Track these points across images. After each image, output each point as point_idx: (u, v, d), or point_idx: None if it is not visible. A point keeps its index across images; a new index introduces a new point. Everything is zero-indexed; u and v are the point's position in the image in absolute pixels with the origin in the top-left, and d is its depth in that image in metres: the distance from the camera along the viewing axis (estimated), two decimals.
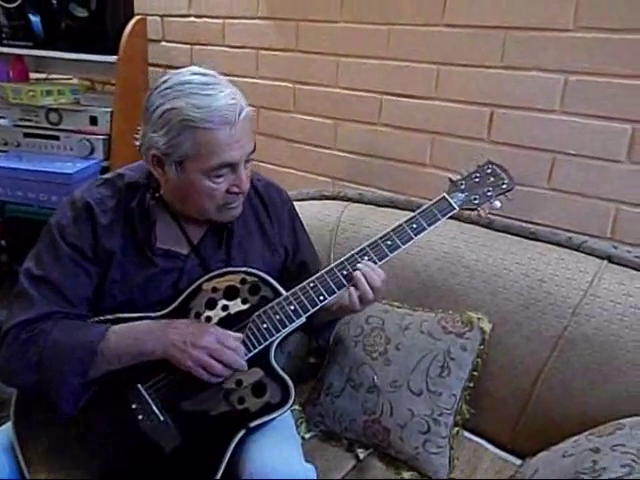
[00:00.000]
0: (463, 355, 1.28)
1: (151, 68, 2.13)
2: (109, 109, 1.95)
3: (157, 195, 1.10)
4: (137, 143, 1.06)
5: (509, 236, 1.41)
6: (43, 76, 2.25)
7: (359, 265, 1.08)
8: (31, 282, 1.03)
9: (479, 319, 1.31)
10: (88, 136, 1.93)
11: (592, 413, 1.20)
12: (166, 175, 1.04)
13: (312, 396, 1.39)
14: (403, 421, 1.25)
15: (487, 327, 1.31)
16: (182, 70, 1.02)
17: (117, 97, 1.96)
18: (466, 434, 1.35)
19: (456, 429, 1.29)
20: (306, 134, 1.83)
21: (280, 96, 1.85)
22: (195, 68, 1.03)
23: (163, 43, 2.11)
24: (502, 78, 1.42)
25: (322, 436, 1.36)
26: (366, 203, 1.64)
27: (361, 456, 1.30)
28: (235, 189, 1.04)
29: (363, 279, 1.07)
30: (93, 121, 1.94)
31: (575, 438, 1.11)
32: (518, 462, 1.28)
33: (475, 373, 1.30)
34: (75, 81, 2.31)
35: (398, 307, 1.41)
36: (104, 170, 1.93)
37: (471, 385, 1.30)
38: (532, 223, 1.43)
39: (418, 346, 1.30)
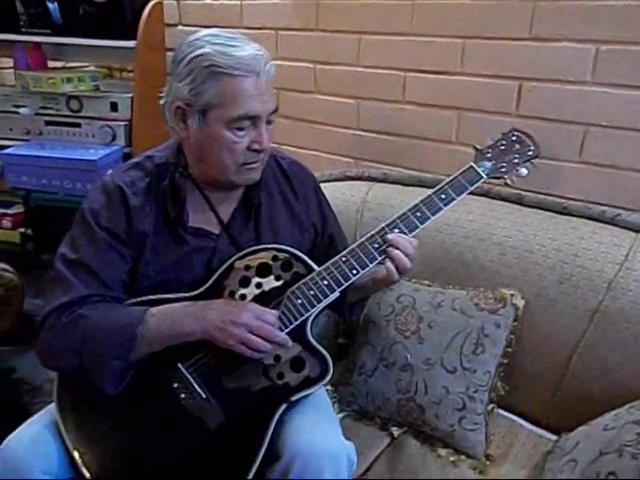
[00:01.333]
0: (497, 332, 1.27)
1: (169, 54, 2.12)
2: (129, 95, 1.95)
3: (186, 173, 1.10)
4: (161, 102, 1.07)
5: (541, 212, 1.39)
6: (61, 64, 2.24)
7: (389, 236, 1.08)
8: (67, 267, 1.04)
9: (512, 295, 1.30)
10: (109, 122, 1.93)
11: (630, 386, 1.19)
12: (188, 129, 1.04)
13: (344, 376, 1.38)
14: (438, 399, 1.25)
15: (520, 303, 1.30)
16: (211, 29, 1.04)
17: (137, 83, 1.95)
18: (500, 411, 1.34)
19: (491, 406, 1.29)
20: (328, 115, 1.82)
21: (301, 77, 1.84)
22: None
23: (180, 27, 2.09)
24: (531, 50, 1.40)
25: (355, 415, 1.36)
26: (391, 183, 1.63)
27: (396, 434, 1.30)
28: (256, 145, 1.04)
29: (396, 250, 1.06)
30: (114, 107, 1.94)
31: (615, 412, 1.10)
32: (554, 438, 1.27)
33: (509, 350, 1.29)
34: (93, 69, 2.31)
35: (428, 286, 1.40)
36: (126, 156, 1.93)
37: (505, 362, 1.29)
38: (564, 198, 1.41)
39: (451, 324, 1.29)
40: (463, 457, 1.22)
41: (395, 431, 1.30)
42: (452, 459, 1.22)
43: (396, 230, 1.10)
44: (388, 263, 1.07)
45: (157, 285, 1.09)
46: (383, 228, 1.11)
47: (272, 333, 1.00)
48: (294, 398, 1.03)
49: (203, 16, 2.02)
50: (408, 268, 1.08)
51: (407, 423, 1.30)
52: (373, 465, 1.23)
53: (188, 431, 1.01)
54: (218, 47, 0.99)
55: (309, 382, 1.04)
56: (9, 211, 2.05)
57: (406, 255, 1.07)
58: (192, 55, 0.99)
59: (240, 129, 1.02)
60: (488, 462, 1.21)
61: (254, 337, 0.98)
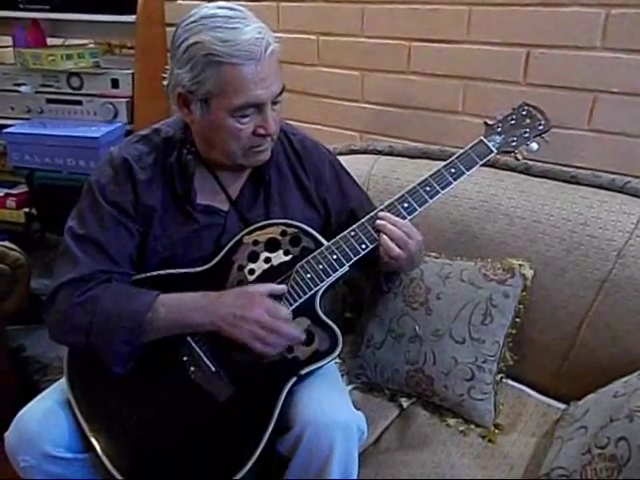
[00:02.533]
0: (505, 302, 1.27)
1: (169, 29, 2.09)
2: (130, 71, 1.92)
3: (193, 149, 1.09)
4: (164, 83, 1.04)
5: (549, 181, 1.38)
6: (60, 41, 2.21)
7: (377, 222, 1.07)
8: (75, 241, 1.03)
9: (520, 265, 1.29)
10: (111, 99, 1.91)
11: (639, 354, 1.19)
12: (192, 115, 1.02)
13: (352, 349, 1.39)
14: (447, 369, 1.25)
15: (529, 273, 1.29)
16: (208, 4, 0.99)
17: (137, 58, 1.93)
18: (508, 381, 1.35)
19: (499, 376, 1.29)
20: (332, 88, 1.79)
21: (303, 49, 1.81)
22: (222, 2, 0.99)
23: (179, 1, 2.06)
24: (539, 16, 1.36)
25: (364, 387, 1.37)
26: (397, 155, 1.61)
27: (405, 405, 1.31)
28: (261, 131, 1.01)
29: (385, 236, 1.06)
30: (114, 84, 1.91)
31: (625, 379, 1.10)
32: (562, 407, 1.27)
33: (517, 320, 1.29)
34: (92, 46, 2.28)
35: (436, 258, 1.39)
36: (129, 134, 1.90)
37: (514, 332, 1.29)
38: (572, 167, 1.39)
39: (459, 295, 1.28)
40: (472, 426, 1.23)
41: (404, 402, 1.31)
42: (461, 428, 1.23)
43: (405, 204, 1.10)
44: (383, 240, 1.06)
45: (165, 260, 1.09)
46: (392, 203, 1.10)
47: (285, 329, 1.00)
48: (303, 372, 1.03)
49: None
50: (398, 254, 1.06)
51: (416, 394, 1.31)
52: (383, 435, 1.24)
53: (198, 404, 1.02)
54: (215, 33, 0.93)
55: (318, 356, 1.04)
56: (13, 191, 2.04)
57: (395, 242, 1.05)
58: (189, 42, 0.95)
59: (244, 116, 0.99)
60: (497, 431, 1.22)
61: (266, 333, 0.98)
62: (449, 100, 1.56)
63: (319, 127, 1.85)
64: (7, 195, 2.03)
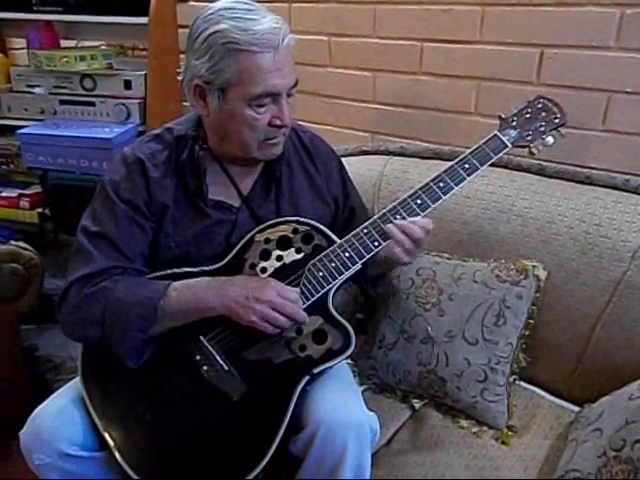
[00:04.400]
0: (519, 303, 1.26)
1: (181, 30, 2.09)
2: (142, 72, 1.93)
3: (205, 146, 1.09)
4: (179, 78, 1.05)
5: (563, 182, 1.37)
6: (72, 44, 2.23)
7: (388, 225, 1.06)
8: (89, 238, 1.04)
9: (534, 267, 1.28)
10: (123, 100, 1.92)
11: None
12: (208, 107, 1.03)
13: (364, 349, 1.38)
14: (459, 370, 1.24)
15: (542, 274, 1.28)
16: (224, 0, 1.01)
17: (150, 60, 1.93)
18: (521, 383, 1.34)
19: (512, 377, 1.28)
20: (343, 89, 1.79)
21: (315, 50, 1.81)
22: None
23: (192, 3, 2.06)
24: (553, 16, 1.36)
25: (375, 389, 1.36)
26: (409, 156, 1.60)
27: (417, 406, 1.30)
28: (277, 121, 1.02)
29: (396, 230, 1.05)
30: (127, 85, 1.92)
31: None
32: (576, 409, 1.26)
33: (531, 321, 1.28)
34: (105, 47, 2.29)
35: (448, 259, 1.38)
36: (141, 134, 1.91)
37: (527, 333, 1.28)
38: (586, 167, 1.38)
39: (472, 296, 1.28)
40: (485, 428, 1.22)
41: (416, 403, 1.31)
42: (474, 430, 1.22)
43: (418, 201, 1.09)
44: (392, 244, 1.06)
45: (178, 258, 1.09)
46: (405, 199, 1.10)
47: (294, 310, 1.00)
48: (316, 370, 1.02)
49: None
50: (410, 248, 1.06)
51: (428, 395, 1.30)
52: (395, 436, 1.24)
53: (211, 403, 1.02)
54: (235, 22, 0.95)
55: (332, 354, 1.03)
56: (26, 192, 2.06)
57: (410, 237, 1.05)
58: (209, 32, 0.97)
59: (260, 106, 1.00)
60: (510, 433, 1.21)
61: (276, 314, 0.98)
62: (462, 100, 1.56)
63: (330, 128, 1.85)
64: (21, 195, 2.05)
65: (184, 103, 2.01)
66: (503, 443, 1.19)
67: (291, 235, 1.10)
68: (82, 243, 1.04)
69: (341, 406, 0.99)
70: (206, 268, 1.08)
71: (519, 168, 1.43)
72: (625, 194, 1.29)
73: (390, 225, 1.06)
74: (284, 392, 1.01)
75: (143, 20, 1.88)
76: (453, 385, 1.25)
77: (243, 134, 1.02)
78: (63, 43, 2.19)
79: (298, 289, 1.05)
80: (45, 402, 1.04)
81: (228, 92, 0.99)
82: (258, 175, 1.15)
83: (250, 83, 0.97)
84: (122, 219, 1.04)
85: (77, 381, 1.05)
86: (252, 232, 1.11)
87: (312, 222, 1.11)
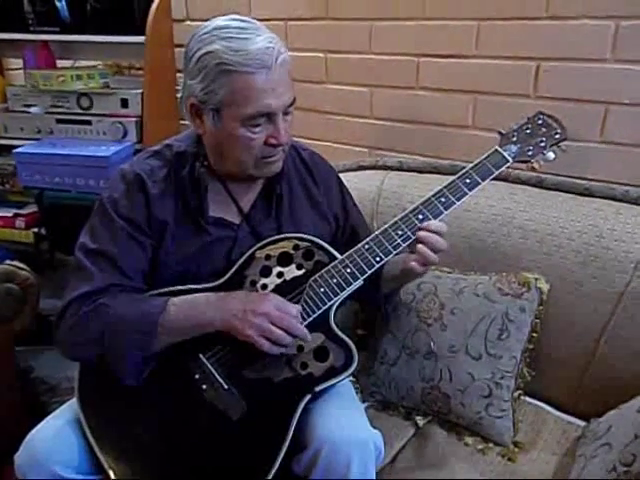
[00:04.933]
0: (522, 316, 1.25)
1: (177, 49, 2.10)
2: (139, 90, 1.93)
3: (206, 163, 1.09)
4: (178, 95, 1.05)
5: (562, 194, 1.37)
6: (69, 63, 2.23)
7: (420, 233, 1.04)
8: (87, 256, 1.03)
9: (536, 279, 1.28)
10: (120, 119, 1.91)
11: None
12: (204, 126, 1.02)
13: (366, 366, 1.36)
14: (463, 386, 1.22)
15: (545, 287, 1.27)
16: (221, 17, 1.00)
17: (146, 79, 1.93)
18: (526, 398, 1.32)
19: (517, 392, 1.26)
20: (340, 105, 1.79)
21: (311, 67, 1.81)
22: (234, 15, 1.00)
23: (188, 22, 2.07)
24: (548, 29, 1.37)
25: (378, 406, 1.34)
26: (407, 170, 1.60)
27: (420, 424, 1.28)
28: (273, 141, 1.01)
29: (425, 247, 1.04)
30: (124, 104, 1.92)
31: None
32: (582, 424, 1.24)
33: (534, 335, 1.27)
34: (101, 67, 2.30)
35: (449, 272, 1.37)
36: (138, 152, 1.91)
37: (531, 347, 1.27)
38: (586, 179, 1.38)
39: (474, 309, 1.26)
40: (491, 445, 1.20)
41: (420, 420, 1.28)
42: (480, 447, 1.20)
43: (420, 216, 1.07)
44: (413, 258, 1.04)
45: (178, 276, 1.08)
46: (407, 215, 1.08)
47: (293, 325, 0.98)
48: (318, 389, 1.00)
49: (210, 10, 1.99)
50: (434, 262, 1.05)
51: (432, 412, 1.28)
52: (399, 455, 1.21)
53: (211, 423, 1.00)
54: (227, 42, 0.94)
55: (334, 372, 1.01)
56: (22, 211, 2.04)
57: (435, 250, 1.04)
58: (201, 52, 0.96)
59: (255, 125, 0.99)
60: (517, 449, 1.19)
61: (274, 328, 0.96)
62: (458, 115, 1.56)
63: (328, 144, 1.85)
64: (16, 215, 2.03)
65: (181, 121, 2.01)
66: (509, 460, 1.17)
67: (292, 251, 1.09)
68: (81, 260, 1.02)
69: (344, 423, 0.97)
70: (207, 285, 1.07)
71: (518, 181, 1.43)
72: (625, 205, 1.29)
73: (421, 238, 1.04)
74: (285, 411, 0.98)
75: (140, 39, 1.89)
76: (457, 401, 1.23)
77: (239, 153, 1.02)
78: (59, 63, 2.19)
79: (299, 305, 1.03)
80: (40, 424, 1.01)
81: (222, 112, 0.98)
82: (258, 192, 1.14)
83: (243, 104, 0.96)
84: (121, 236, 1.03)
85: (73, 402, 1.02)
86: (253, 249, 1.09)
87: (313, 238, 1.10)
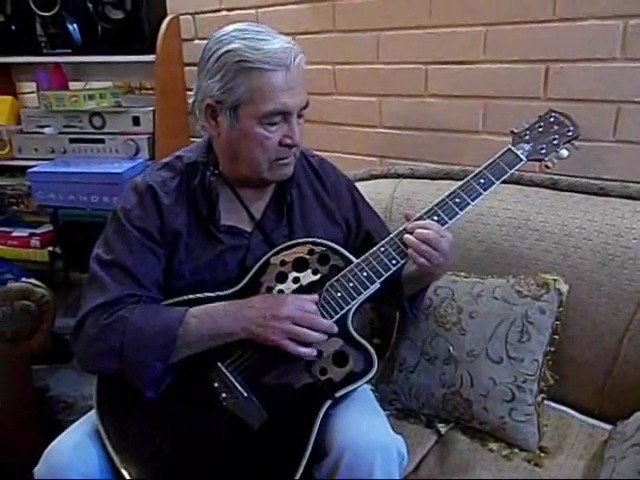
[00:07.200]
0: (542, 318, 1.23)
1: (187, 68, 2.13)
2: (150, 108, 1.96)
3: (216, 171, 1.09)
4: (190, 100, 1.06)
5: (577, 194, 1.35)
6: (81, 84, 2.27)
7: (405, 236, 1.03)
8: (102, 267, 1.03)
9: (555, 280, 1.26)
10: (132, 136, 1.94)
11: None
12: (219, 127, 1.03)
13: (384, 374, 1.34)
14: (485, 391, 1.20)
15: (564, 288, 1.25)
16: (237, 23, 1.03)
17: (157, 97, 1.97)
18: (549, 403, 1.29)
19: (541, 396, 1.24)
20: (350, 115, 1.80)
21: (320, 79, 1.83)
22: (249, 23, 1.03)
23: (197, 41, 2.11)
24: (556, 31, 1.37)
25: (398, 414, 1.32)
26: (418, 178, 1.60)
27: (442, 431, 1.25)
28: (288, 141, 1.02)
29: (413, 239, 1.02)
30: (136, 121, 1.95)
31: None
32: (608, 427, 1.21)
33: (555, 337, 1.25)
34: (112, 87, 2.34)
35: (465, 277, 1.36)
36: None
37: (552, 350, 1.25)
38: (600, 179, 1.37)
39: (493, 313, 1.25)
40: (516, 450, 1.17)
41: (442, 428, 1.26)
42: (505, 453, 1.17)
43: (435, 217, 1.06)
44: (412, 254, 1.02)
45: (191, 285, 1.07)
46: (422, 216, 1.08)
47: (317, 321, 0.98)
48: (338, 394, 0.99)
49: (219, 28, 2.02)
50: (434, 257, 1.02)
51: (454, 419, 1.25)
52: (422, 463, 1.19)
53: (231, 432, 0.98)
54: (247, 42, 0.97)
55: (353, 377, 1.00)
56: (37, 231, 2.06)
57: (429, 245, 1.01)
58: (221, 51, 0.98)
59: (272, 124, 1.00)
60: (543, 454, 1.16)
61: (299, 328, 0.96)
62: (469, 120, 1.56)
63: (339, 155, 1.85)
64: (31, 235, 2.05)
65: (192, 139, 2.03)
66: (536, 465, 1.14)
67: (307, 256, 1.09)
68: (96, 272, 1.02)
69: (366, 429, 0.96)
70: (221, 293, 1.06)
71: (531, 183, 1.42)
72: None
73: (406, 235, 1.03)
74: (306, 418, 0.97)
75: (150, 58, 1.92)
76: (479, 406, 1.20)
77: (254, 153, 1.02)
78: (72, 85, 2.23)
79: (316, 296, 1.02)
80: (60, 437, 1.00)
81: (240, 111, 0.99)
82: (270, 199, 1.14)
83: (261, 101, 0.98)
84: (135, 246, 1.03)
85: (92, 414, 1.01)
86: (267, 255, 1.09)
87: (328, 242, 1.10)
